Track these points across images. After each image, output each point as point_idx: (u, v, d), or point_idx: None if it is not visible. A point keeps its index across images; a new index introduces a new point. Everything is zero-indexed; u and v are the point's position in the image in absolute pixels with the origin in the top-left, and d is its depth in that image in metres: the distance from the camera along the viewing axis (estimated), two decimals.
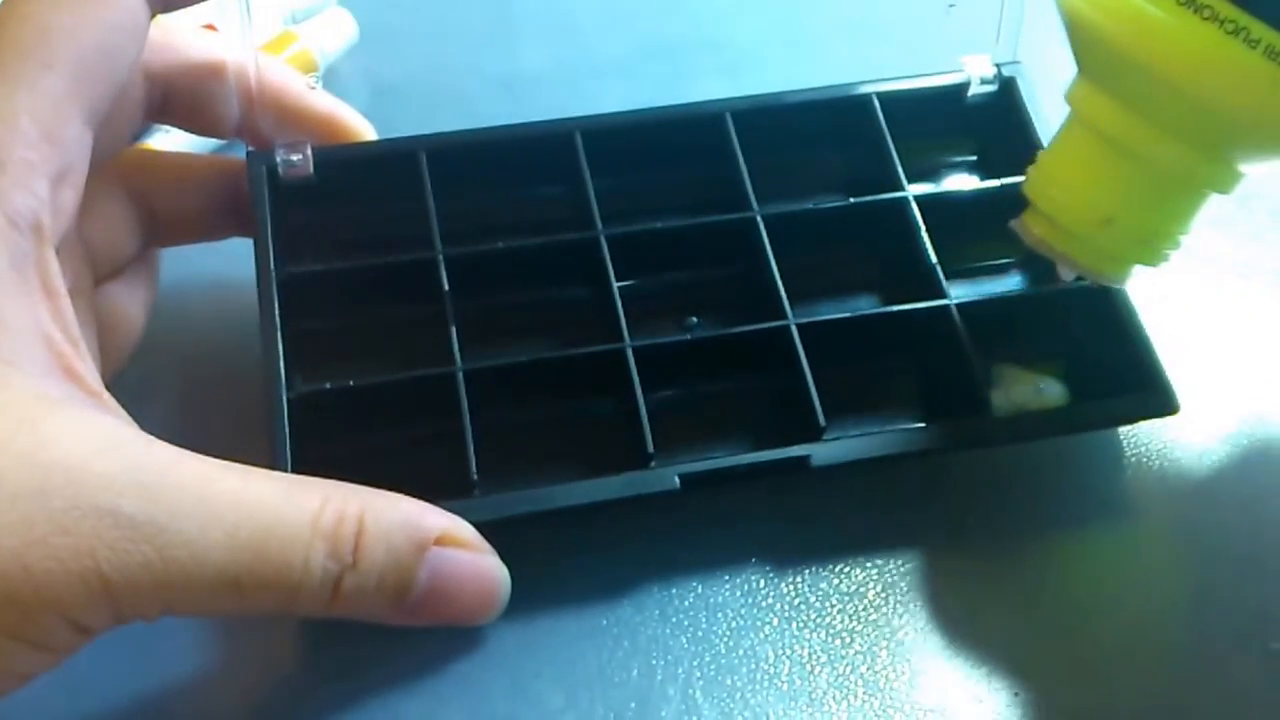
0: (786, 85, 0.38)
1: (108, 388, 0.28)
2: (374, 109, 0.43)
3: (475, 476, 0.31)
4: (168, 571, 0.25)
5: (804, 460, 0.32)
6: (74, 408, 0.26)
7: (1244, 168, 0.30)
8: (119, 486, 0.25)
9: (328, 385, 0.32)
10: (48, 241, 0.27)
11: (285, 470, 0.31)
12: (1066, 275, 0.34)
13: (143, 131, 0.39)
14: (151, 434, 0.27)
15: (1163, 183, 0.30)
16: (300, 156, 0.34)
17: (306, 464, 0.30)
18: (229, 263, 0.36)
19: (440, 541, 0.29)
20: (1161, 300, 0.37)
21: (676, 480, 0.31)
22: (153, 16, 0.29)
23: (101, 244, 0.33)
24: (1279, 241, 0.41)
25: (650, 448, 0.32)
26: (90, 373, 0.27)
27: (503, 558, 0.30)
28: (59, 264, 0.27)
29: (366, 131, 0.37)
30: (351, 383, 0.33)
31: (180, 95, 0.33)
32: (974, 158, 0.40)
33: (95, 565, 0.24)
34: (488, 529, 0.30)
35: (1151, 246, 0.31)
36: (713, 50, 0.46)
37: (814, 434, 0.33)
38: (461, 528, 0.29)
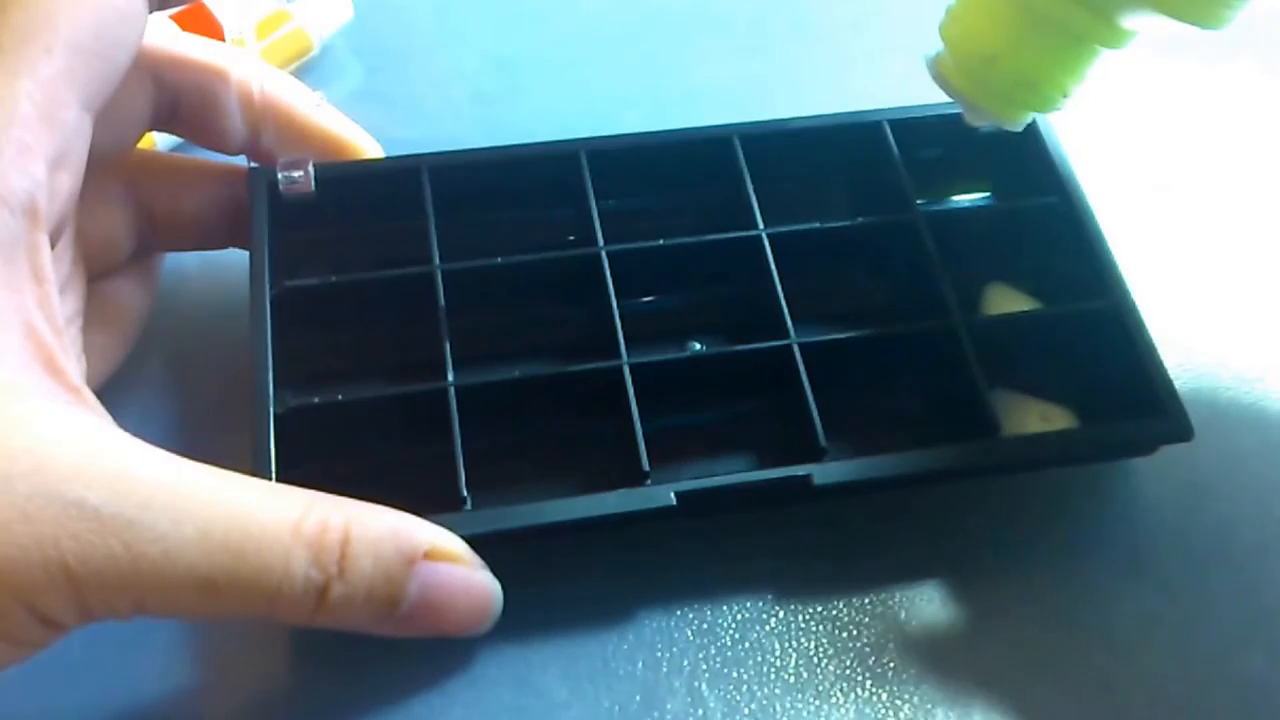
0: (792, 72, 0.37)
1: (100, 390, 0.27)
2: (368, 88, 0.44)
3: (466, 493, 0.30)
4: (136, 566, 0.24)
5: (805, 480, 0.31)
6: (48, 399, 0.25)
7: (1131, 24, 0.31)
8: (86, 478, 0.24)
9: (316, 400, 0.32)
10: (41, 226, 0.26)
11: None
12: (971, 120, 0.34)
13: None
14: (137, 438, 0.26)
15: (1042, 27, 0.31)
16: (301, 174, 0.34)
17: (293, 479, 0.29)
18: (230, 271, 0.36)
19: (430, 555, 0.28)
20: (1173, 322, 0.37)
21: (672, 497, 0.31)
22: (151, 11, 0.29)
23: (97, 239, 0.32)
24: None
25: (646, 465, 0.31)
26: (71, 365, 0.26)
27: (504, 564, 0.30)
28: (53, 253, 0.27)
29: (373, 150, 0.36)
30: (340, 397, 0.32)
31: (188, 105, 0.33)
32: (988, 185, 0.39)
33: (59, 555, 0.24)
34: (487, 545, 0.30)
35: (1037, 91, 0.32)
36: (718, 30, 0.46)
37: (815, 455, 0.32)
38: (452, 541, 0.29)
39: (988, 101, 0.33)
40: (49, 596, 0.24)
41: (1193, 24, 0.29)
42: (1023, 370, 0.35)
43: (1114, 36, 0.31)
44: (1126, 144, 0.43)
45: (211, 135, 0.34)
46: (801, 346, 0.33)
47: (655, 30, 0.46)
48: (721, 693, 0.31)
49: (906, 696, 0.31)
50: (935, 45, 0.33)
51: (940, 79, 0.33)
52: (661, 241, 0.35)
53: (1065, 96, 0.33)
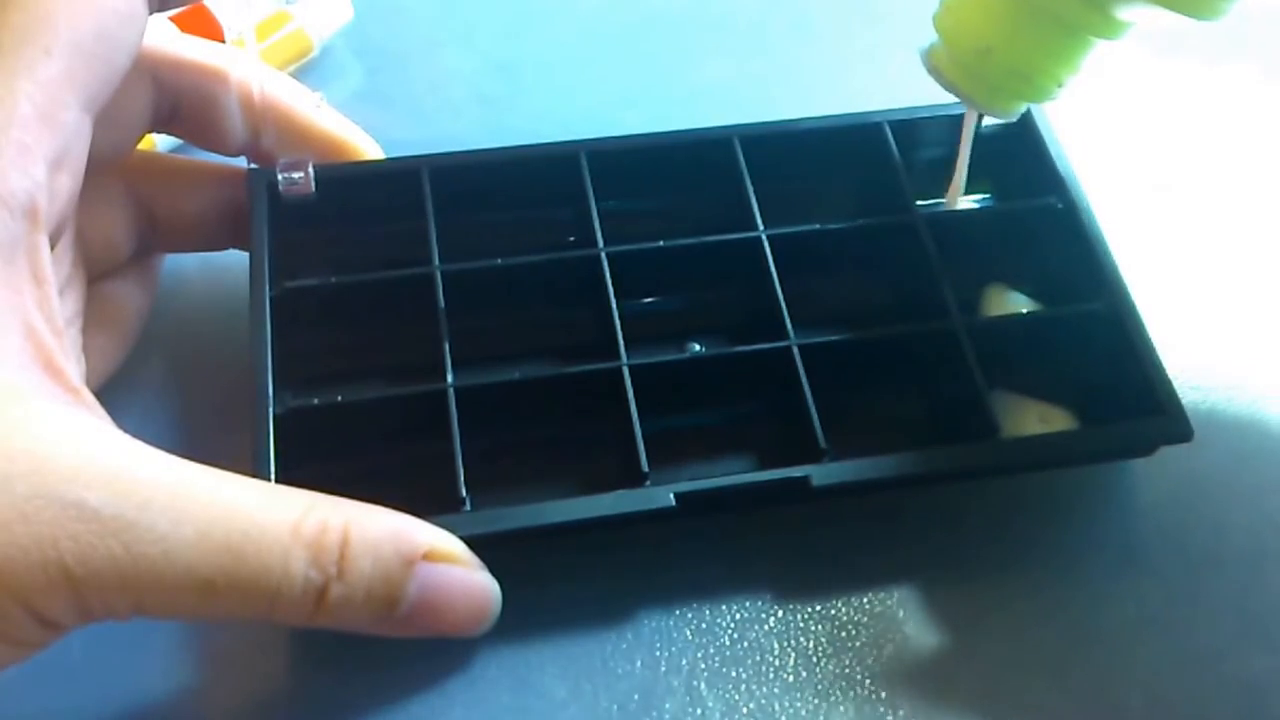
0: (793, 72, 0.37)
1: (100, 390, 0.27)
2: (369, 89, 0.44)
3: (465, 493, 0.31)
4: (135, 567, 0.24)
5: (804, 481, 0.31)
6: (47, 400, 0.25)
7: (1126, 16, 0.31)
8: (86, 479, 0.24)
9: (316, 401, 0.32)
10: (41, 227, 0.26)
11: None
12: (970, 119, 0.35)
13: None
14: (136, 439, 0.26)
15: (1036, 18, 0.31)
16: (301, 175, 0.34)
17: (293, 480, 0.29)
18: (230, 271, 0.36)
19: (429, 556, 0.28)
20: (1173, 323, 0.37)
21: (672, 498, 0.31)
22: (151, 13, 0.29)
23: (97, 240, 0.32)
24: None
25: (645, 466, 0.31)
26: (71, 367, 0.26)
27: (503, 564, 0.30)
28: (53, 254, 0.27)
29: (373, 151, 0.36)
30: (340, 398, 0.32)
31: (189, 106, 0.33)
32: (988, 186, 0.39)
33: (57, 556, 0.24)
34: (486, 546, 0.30)
35: (1031, 82, 0.32)
36: (718, 30, 0.46)
37: (814, 456, 0.32)
38: (451, 542, 0.29)
39: (982, 93, 0.33)
40: (48, 597, 0.24)
41: (1187, 15, 0.29)
42: (1022, 371, 0.35)
43: (1109, 27, 0.31)
44: (1126, 144, 0.43)
45: (211, 136, 0.34)
46: (801, 348, 0.33)
47: (655, 30, 0.46)
48: (720, 692, 0.31)
49: (905, 696, 0.31)
50: (930, 37, 0.33)
51: (934, 71, 0.33)
52: (661, 243, 0.35)
53: (1060, 87, 0.33)
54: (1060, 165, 0.37)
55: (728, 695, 0.31)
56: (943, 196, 0.38)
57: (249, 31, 0.41)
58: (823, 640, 0.32)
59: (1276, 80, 0.45)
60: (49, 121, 0.26)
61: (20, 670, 0.25)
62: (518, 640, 0.31)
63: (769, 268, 0.35)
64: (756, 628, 0.32)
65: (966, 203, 0.38)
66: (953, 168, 0.37)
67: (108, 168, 0.32)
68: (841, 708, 0.30)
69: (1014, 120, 0.34)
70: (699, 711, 0.30)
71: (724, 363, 0.34)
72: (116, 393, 0.33)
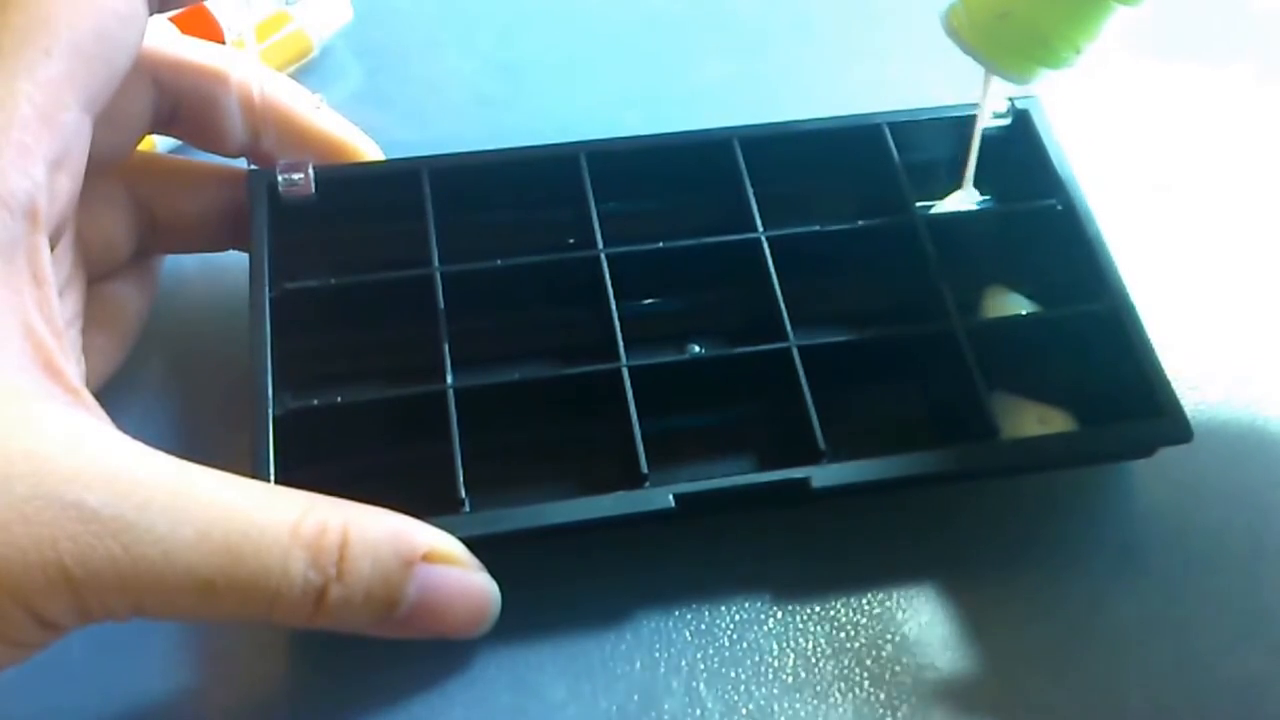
0: (793, 72, 0.37)
1: (100, 391, 0.27)
2: (368, 90, 0.44)
3: (464, 494, 0.31)
4: (135, 568, 0.24)
5: (804, 483, 0.31)
6: (47, 401, 0.26)
7: None
8: (85, 480, 0.24)
9: (315, 402, 0.32)
10: (41, 228, 0.26)
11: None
12: (988, 89, 0.35)
13: None
14: (136, 439, 0.26)
15: None
16: (301, 176, 0.34)
17: (292, 481, 0.29)
18: (229, 272, 0.36)
19: (429, 557, 0.28)
20: (1172, 324, 0.37)
21: (671, 499, 0.31)
22: (151, 14, 0.29)
23: (97, 241, 0.32)
24: None
25: (644, 468, 0.31)
26: (70, 367, 0.27)
27: (502, 565, 0.30)
28: (53, 255, 0.27)
29: (372, 153, 0.36)
30: (339, 399, 0.32)
31: (189, 107, 0.33)
32: (988, 188, 0.39)
33: (57, 556, 0.24)
34: (485, 547, 0.30)
35: (1049, 47, 0.32)
36: (718, 30, 0.46)
37: (814, 458, 0.32)
38: (450, 544, 0.29)
39: (1000, 58, 0.33)
40: (47, 598, 0.24)
41: None
42: (1021, 373, 0.35)
43: None
44: (1126, 144, 0.43)
45: (211, 137, 0.34)
46: (801, 349, 0.33)
47: (655, 31, 0.46)
48: (719, 692, 0.31)
49: (904, 696, 0.31)
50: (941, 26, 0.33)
51: (953, 34, 0.33)
52: (661, 244, 0.36)
53: (1077, 53, 0.32)
54: (1060, 167, 0.37)
55: (727, 696, 0.31)
56: (942, 197, 0.38)
57: (249, 32, 0.41)
58: (822, 641, 0.32)
59: (1275, 81, 0.45)
60: (49, 122, 0.26)
61: (20, 670, 0.25)
62: (517, 640, 0.31)
63: (768, 269, 0.35)
64: (756, 628, 0.32)
65: (964, 202, 0.38)
66: (961, 162, 0.37)
67: (108, 168, 0.32)
68: (841, 708, 0.31)
69: (1030, 85, 0.34)
70: (698, 712, 0.30)
71: (724, 364, 0.34)
72: (116, 393, 0.33)
